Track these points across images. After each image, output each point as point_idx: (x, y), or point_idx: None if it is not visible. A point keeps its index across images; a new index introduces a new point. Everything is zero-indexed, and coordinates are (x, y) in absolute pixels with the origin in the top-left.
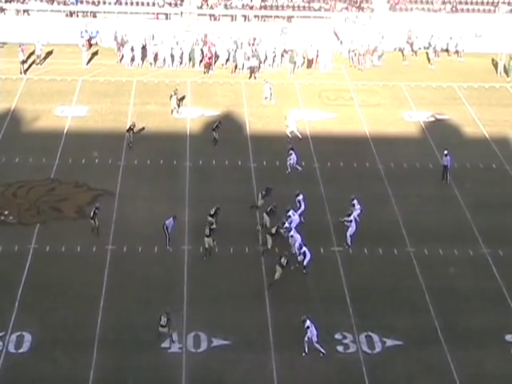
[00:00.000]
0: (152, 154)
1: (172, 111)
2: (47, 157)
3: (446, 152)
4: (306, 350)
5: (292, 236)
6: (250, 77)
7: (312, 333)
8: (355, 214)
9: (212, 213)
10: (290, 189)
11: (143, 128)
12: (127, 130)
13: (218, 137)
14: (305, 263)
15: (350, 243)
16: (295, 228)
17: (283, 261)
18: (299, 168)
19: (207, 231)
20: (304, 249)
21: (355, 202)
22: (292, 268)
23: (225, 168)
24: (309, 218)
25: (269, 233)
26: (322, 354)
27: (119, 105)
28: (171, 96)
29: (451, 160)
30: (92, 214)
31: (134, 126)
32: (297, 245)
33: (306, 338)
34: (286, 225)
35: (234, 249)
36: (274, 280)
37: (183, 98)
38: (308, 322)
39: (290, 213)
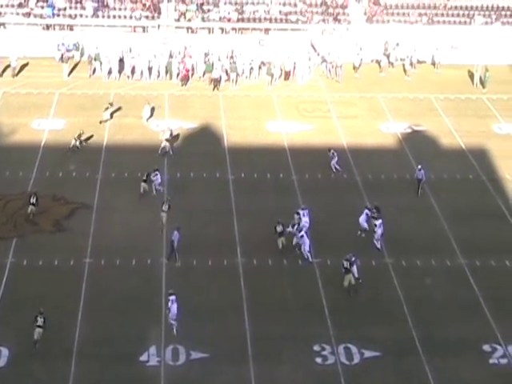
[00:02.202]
0: (129, 166)
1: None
2: (24, 170)
3: (419, 166)
4: None
5: (302, 236)
6: (214, 88)
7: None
8: (304, 226)
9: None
10: (268, 201)
11: (91, 136)
12: (75, 138)
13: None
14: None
15: (307, 257)
16: (305, 232)
17: (346, 264)
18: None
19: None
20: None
21: (303, 212)
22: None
23: (203, 180)
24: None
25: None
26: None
27: (96, 118)
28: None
29: (425, 173)
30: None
31: (82, 133)
32: (306, 247)
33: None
34: (294, 228)
35: (212, 261)
36: (349, 286)
37: (153, 108)
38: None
39: (301, 214)
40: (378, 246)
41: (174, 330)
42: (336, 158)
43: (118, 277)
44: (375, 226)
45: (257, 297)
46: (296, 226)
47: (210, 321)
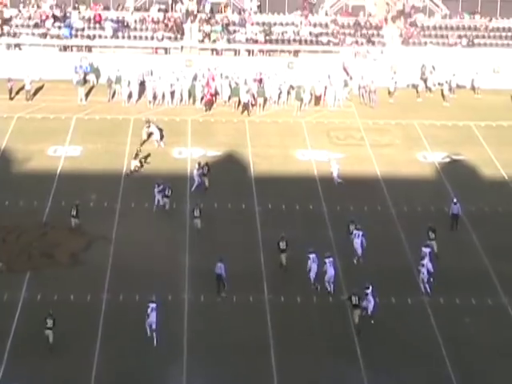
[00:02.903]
0: (150, 196)
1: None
2: (39, 199)
3: (455, 200)
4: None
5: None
6: (243, 112)
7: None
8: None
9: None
10: (297, 234)
11: (149, 154)
12: (134, 158)
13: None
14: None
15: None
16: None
17: (355, 300)
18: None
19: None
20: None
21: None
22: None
23: (228, 211)
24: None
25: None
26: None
27: (115, 144)
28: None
29: (462, 207)
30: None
31: (140, 151)
32: (312, 275)
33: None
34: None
35: (236, 297)
36: (356, 324)
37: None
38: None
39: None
40: (427, 288)
41: (155, 341)
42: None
43: (138, 314)
44: (422, 266)
45: (284, 336)
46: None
47: (235, 361)
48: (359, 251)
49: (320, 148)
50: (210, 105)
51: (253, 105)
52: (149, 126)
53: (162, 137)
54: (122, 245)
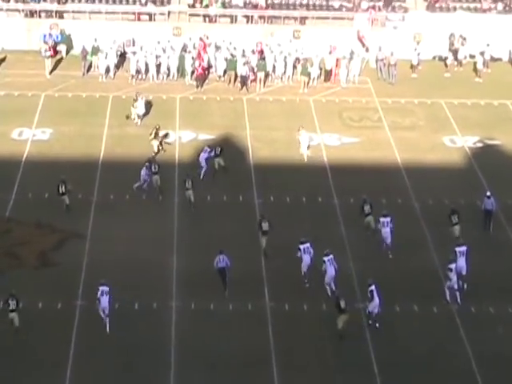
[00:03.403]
0: (131, 186)
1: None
2: (1, 190)
3: (488, 193)
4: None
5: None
6: (242, 88)
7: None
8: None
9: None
10: (304, 230)
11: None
12: (154, 138)
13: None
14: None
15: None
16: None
17: (343, 305)
18: None
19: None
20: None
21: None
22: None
23: (222, 205)
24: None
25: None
26: None
27: (91, 126)
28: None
29: (496, 202)
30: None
31: (159, 128)
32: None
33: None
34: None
35: (233, 305)
36: (340, 330)
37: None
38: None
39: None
40: (456, 295)
41: (107, 328)
42: None
43: (117, 323)
44: (450, 270)
45: (288, 349)
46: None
47: (232, 378)
48: (388, 240)
49: (331, 131)
50: (201, 80)
51: (252, 80)
52: (136, 100)
53: (144, 115)
54: (99, 243)
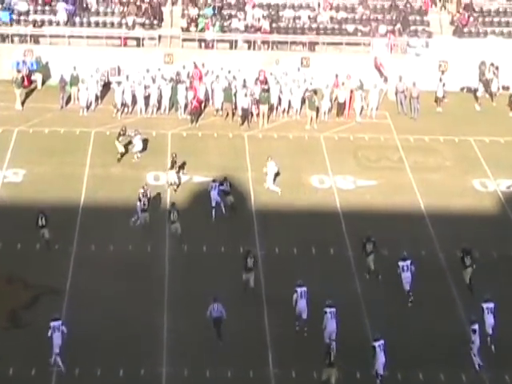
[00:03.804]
0: (118, 236)
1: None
2: None
3: None
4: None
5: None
6: (242, 124)
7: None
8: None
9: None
10: (314, 287)
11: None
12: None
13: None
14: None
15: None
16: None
17: (332, 356)
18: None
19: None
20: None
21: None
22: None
23: (220, 257)
24: (344, 337)
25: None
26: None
27: (71, 167)
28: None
29: None
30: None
31: (175, 157)
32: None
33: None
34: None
35: (232, 372)
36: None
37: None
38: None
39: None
40: (479, 361)
41: (62, 368)
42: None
43: None
44: (473, 332)
45: None
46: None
47: None
48: (408, 287)
49: (344, 172)
50: (197, 114)
51: (255, 114)
52: (124, 134)
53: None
54: (79, 300)
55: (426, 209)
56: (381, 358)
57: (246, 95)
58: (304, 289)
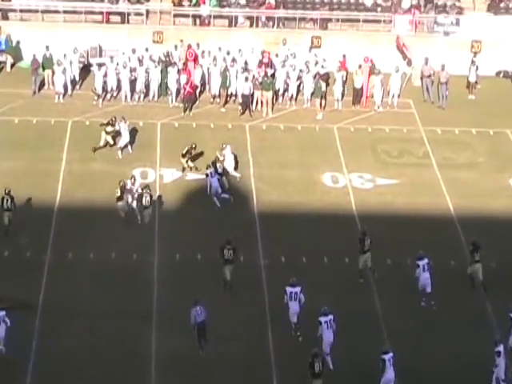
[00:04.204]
0: (98, 242)
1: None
2: None
3: None
4: None
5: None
6: (243, 113)
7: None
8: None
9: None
10: (326, 302)
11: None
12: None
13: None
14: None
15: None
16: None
17: (318, 367)
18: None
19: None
20: None
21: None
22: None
23: (217, 267)
24: (363, 358)
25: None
26: None
27: (44, 162)
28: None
29: None
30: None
31: (194, 148)
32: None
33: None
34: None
35: None
36: None
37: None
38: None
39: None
40: None
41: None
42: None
43: None
44: (498, 354)
45: None
46: None
47: None
48: (429, 289)
49: (361, 170)
50: (190, 101)
51: (259, 102)
52: (113, 125)
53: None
54: (53, 316)
55: (455, 212)
56: (390, 374)
57: (246, 80)
58: (297, 289)
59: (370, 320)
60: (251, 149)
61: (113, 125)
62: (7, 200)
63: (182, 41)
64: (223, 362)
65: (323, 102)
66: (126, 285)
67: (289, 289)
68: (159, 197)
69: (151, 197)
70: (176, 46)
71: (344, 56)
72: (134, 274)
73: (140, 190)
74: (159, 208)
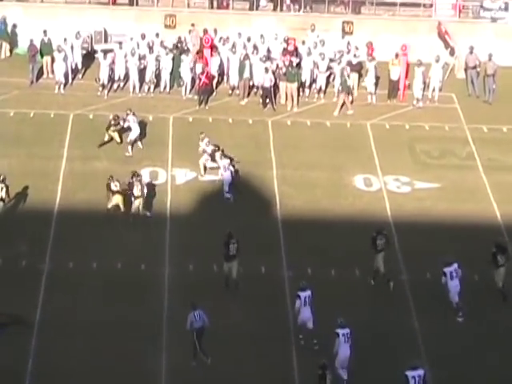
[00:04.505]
0: (103, 250)
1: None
2: None
3: None
4: None
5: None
6: (265, 105)
7: None
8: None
9: None
10: (359, 318)
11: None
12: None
13: None
14: None
15: None
16: None
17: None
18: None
19: None
20: None
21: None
22: None
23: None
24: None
25: None
26: None
27: (43, 160)
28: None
29: None
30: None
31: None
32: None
33: None
34: None
35: None
36: None
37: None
38: None
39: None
40: None
41: None
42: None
43: None
44: None
45: None
46: None
47: None
48: (457, 298)
49: (398, 172)
50: (206, 93)
51: (283, 95)
52: (117, 124)
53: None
54: (52, 334)
55: (503, 220)
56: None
57: (267, 71)
58: (308, 293)
59: (405, 338)
60: (274, 147)
61: (115, 124)
62: (1, 188)
63: (193, 25)
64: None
65: (350, 96)
66: (133, 298)
67: (301, 293)
68: (171, 200)
69: (142, 186)
70: (190, 31)
71: (371, 43)
72: (142, 286)
73: (130, 179)
74: (170, 213)
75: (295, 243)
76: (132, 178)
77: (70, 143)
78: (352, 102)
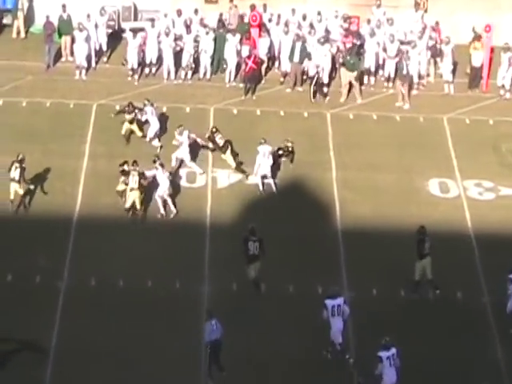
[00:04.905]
0: (130, 265)
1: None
2: None
3: None
4: None
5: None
6: (314, 96)
7: None
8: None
9: None
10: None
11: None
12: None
13: None
14: None
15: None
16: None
17: None
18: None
19: None
20: None
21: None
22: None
23: (289, 300)
24: None
25: None
26: None
27: (61, 158)
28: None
29: None
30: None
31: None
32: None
33: None
34: None
35: None
36: None
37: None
38: None
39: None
40: None
41: None
42: None
43: None
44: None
45: None
46: None
47: None
48: None
49: (479, 175)
50: (253, 80)
51: (343, 83)
52: (131, 112)
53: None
54: (70, 361)
55: None
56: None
57: (325, 55)
58: (338, 301)
59: (488, 371)
60: (334, 145)
61: (130, 112)
62: (15, 168)
63: (231, 1)
64: None
65: (405, 86)
66: (165, 321)
67: (329, 302)
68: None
69: (140, 176)
70: (230, 8)
71: (437, 23)
72: (176, 307)
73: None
74: (210, 221)
75: (357, 257)
76: (124, 163)
77: (92, 138)
78: (409, 94)
